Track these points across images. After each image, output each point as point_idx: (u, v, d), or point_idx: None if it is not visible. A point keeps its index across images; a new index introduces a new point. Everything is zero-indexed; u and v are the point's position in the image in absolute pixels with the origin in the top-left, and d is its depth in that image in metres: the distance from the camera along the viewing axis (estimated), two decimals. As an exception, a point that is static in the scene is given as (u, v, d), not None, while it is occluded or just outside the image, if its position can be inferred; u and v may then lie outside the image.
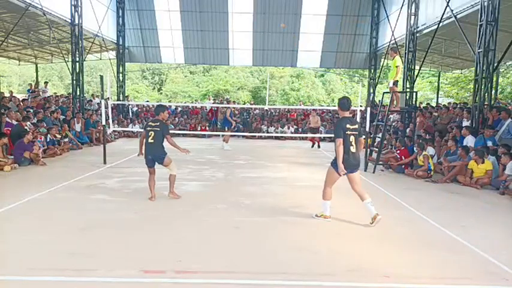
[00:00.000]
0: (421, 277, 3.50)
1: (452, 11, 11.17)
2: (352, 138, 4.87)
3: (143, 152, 5.93)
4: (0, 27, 14.77)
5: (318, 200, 6.35)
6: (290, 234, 4.59)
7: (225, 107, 13.17)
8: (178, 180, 7.47)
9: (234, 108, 19.52)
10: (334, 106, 28.85)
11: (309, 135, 14.38)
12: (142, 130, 17.72)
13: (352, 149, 4.86)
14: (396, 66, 9.60)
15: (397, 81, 9.89)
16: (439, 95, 24.95)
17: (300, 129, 18.29)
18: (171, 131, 19.09)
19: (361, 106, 14.38)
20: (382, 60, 18.78)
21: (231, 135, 13.71)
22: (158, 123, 5.81)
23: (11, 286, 3.24)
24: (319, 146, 13.94)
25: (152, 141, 5.74)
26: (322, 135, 14.18)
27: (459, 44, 15.99)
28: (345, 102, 4.99)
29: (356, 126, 4.91)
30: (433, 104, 20.86)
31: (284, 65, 23.99)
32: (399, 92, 10.47)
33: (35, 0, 12.39)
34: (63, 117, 13.48)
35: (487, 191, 7.35)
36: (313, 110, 14.31)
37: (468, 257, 4.01)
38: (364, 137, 5.24)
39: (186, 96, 35.90)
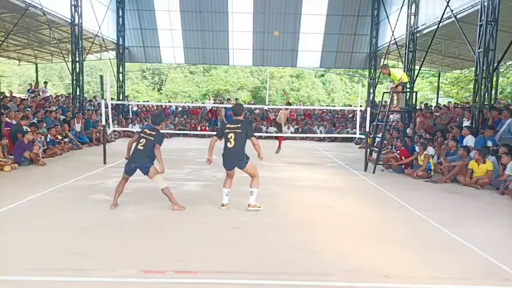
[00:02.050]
0: (421, 277, 3.50)
1: (452, 11, 11.17)
2: (230, 135, 5.37)
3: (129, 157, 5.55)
4: (0, 27, 14.78)
5: (319, 200, 6.36)
6: (290, 234, 4.59)
7: (225, 107, 13.09)
8: (178, 180, 7.49)
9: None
10: (335, 106, 28.70)
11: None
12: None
13: (229, 144, 5.37)
14: (398, 79, 9.49)
15: (405, 82, 9.81)
16: (439, 95, 24.96)
17: (300, 129, 18.30)
18: (170, 131, 18.80)
19: (361, 106, 14.36)
20: (382, 60, 18.78)
21: None
22: (154, 133, 5.51)
23: (11, 286, 3.24)
24: (278, 151, 10.78)
25: (141, 148, 5.40)
26: (286, 134, 12.28)
27: (459, 44, 15.99)
28: (234, 108, 5.66)
29: (238, 125, 5.42)
30: (433, 104, 20.90)
31: (284, 65, 24.01)
32: (401, 92, 10.46)
33: (35, 0, 12.39)
34: (63, 117, 13.48)
35: (487, 191, 7.34)
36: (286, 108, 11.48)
37: (468, 257, 4.01)
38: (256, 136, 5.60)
39: (186, 96, 35.90)
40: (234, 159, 5.42)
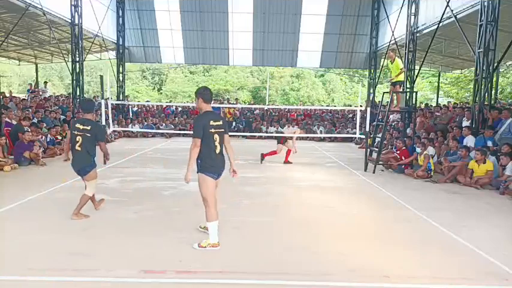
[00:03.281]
0: (421, 277, 3.50)
1: (452, 11, 11.17)
2: (216, 136, 4.01)
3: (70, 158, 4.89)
4: (0, 27, 14.78)
5: (319, 200, 6.35)
6: (290, 234, 4.59)
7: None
8: (178, 180, 7.48)
9: (234, 108, 19.58)
10: (335, 106, 28.59)
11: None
12: (142, 130, 17.30)
13: (217, 150, 4.04)
14: (400, 69, 9.55)
15: (401, 81, 9.84)
16: (439, 95, 24.97)
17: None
18: (170, 131, 18.69)
19: (361, 106, 14.35)
20: (382, 60, 18.77)
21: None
22: (89, 127, 4.65)
23: (11, 286, 3.24)
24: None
25: (79, 149, 4.64)
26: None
27: (459, 44, 15.99)
28: (207, 93, 4.08)
29: (220, 122, 4.05)
30: (433, 104, 20.90)
31: (284, 65, 24.03)
32: (400, 92, 10.47)
33: (35, 0, 12.40)
34: (63, 117, 13.47)
35: (487, 191, 7.34)
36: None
37: (468, 257, 4.01)
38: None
39: (186, 96, 35.91)
40: (222, 167, 4.17)
